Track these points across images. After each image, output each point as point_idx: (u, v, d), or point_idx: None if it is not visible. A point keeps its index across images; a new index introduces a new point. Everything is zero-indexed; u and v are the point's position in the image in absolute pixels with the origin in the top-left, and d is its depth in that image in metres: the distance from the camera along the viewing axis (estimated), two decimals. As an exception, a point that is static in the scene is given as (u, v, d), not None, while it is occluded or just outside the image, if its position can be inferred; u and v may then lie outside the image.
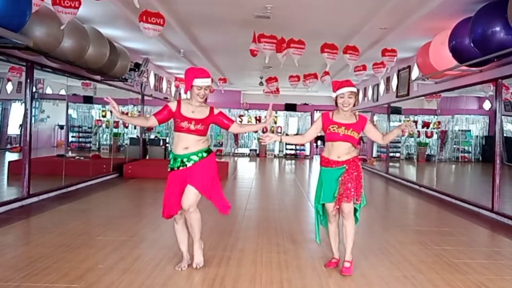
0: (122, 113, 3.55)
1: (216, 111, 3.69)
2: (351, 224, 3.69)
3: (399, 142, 12.36)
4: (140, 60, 10.26)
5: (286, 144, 19.15)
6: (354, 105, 3.72)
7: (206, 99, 3.70)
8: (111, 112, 3.72)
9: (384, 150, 12.77)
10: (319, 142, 20.82)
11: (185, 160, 3.54)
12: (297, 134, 19.35)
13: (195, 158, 3.55)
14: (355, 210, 3.74)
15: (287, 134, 19.15)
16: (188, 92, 3.65)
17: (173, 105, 3.61)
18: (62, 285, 3.23)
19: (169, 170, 3.62)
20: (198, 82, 3.53)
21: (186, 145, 3.54)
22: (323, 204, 3.75)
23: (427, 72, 7.68)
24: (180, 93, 15.41)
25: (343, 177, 3.61)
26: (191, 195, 3.52)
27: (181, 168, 3.55)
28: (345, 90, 3.64)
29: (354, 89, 3.69)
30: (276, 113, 19.09)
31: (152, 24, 6.15)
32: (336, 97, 3.70)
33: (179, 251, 3.75)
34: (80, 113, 11.42)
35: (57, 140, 10.48)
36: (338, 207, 3.64)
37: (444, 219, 6.41)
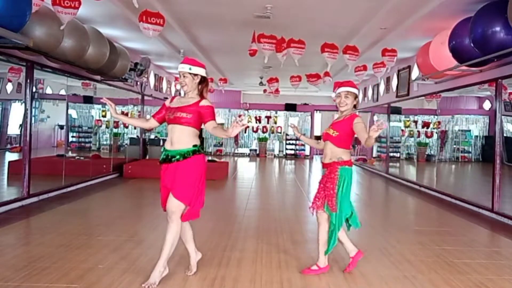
0: (122, 113, 3.43)
1: (203, 102, 3.35)
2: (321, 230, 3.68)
3: (399, 142, 12.36)
4: (139, 61, 10.25)
5: (286, 144, 19.18)
6: (355, 107, 3.68)
7: (204, 94, 3.42)
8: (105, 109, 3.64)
9: (384, 150, 12.76)
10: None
11: (170, 156, 3.31)
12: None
13: (177, 158, 3.28)
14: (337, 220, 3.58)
15: (287, 134, 19.16)
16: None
17: (167, 101, 3.52)
18: (62, 285, 3.23)
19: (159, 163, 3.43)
20: (178, 69, 3.41)
21: (170, 138, 3.33)
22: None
23: (427, 72, 7.68)
24: (180, 93, 15.42)
25: (323, 183, 3.64)
26: (172, 203, 3.27)
27: (166, 163, 3.33)
28: (341, 89, 3.65)
29: (351, 89, 3.62)
30: (276, 113, 19.15)
31: (152, 24, 6.14)
32: (335, 97, 3.73)
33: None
34: (80, 113, 11.41)
35: (57, 140, 10.47)
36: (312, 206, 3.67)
37: (444, 219, 6.41)
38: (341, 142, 3.57)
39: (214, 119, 3.36)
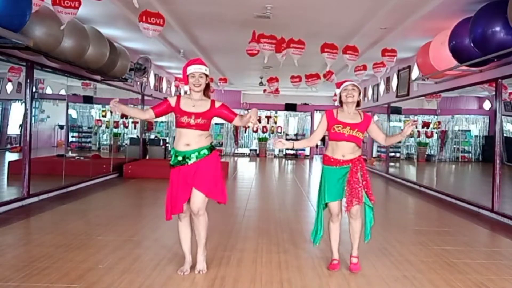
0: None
1: (217, 104, 3.54)
2: (359, 223, 3.71)
3: (399, 142, 12.35)
4: (140, 60, 10.25)
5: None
6: (358, 104, 3.70)
7: (208, 93, 3.59)
8: (111, 112, 3.70)
9: (384, 150, 12.76)
10: (319, 142, 20.81)
11: (186, 157, 3.43)
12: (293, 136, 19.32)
13: (196, 155, 3.42)
14: (368, 215, 3.72)
15: (287, 134, 19.14)
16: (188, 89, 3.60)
17: (172, 100, 3.52)
18: (62, 285, 3.23)
19: (170, 166, 3.53)
20: (190, 69, 3.46)
21: (187, 141, 3.42)
22: (326, 204, 3.73)
23: (427, 72, 7.68)
24: (180, 93, 15.41)
25: (348, 179, 3.59)
26: (198, 199, 3.45)
27: (182, 165, 3.44)
28: (347, 83, 3.70)
29: (356, 83, 3.73)
30: (276, 113, 19.15)
31: (152, 24, 6.15)
32: (341, 93, 3.70)
33: (179, 251, 3.74)
34: (80, 113, 11.42)
35: (57, 140, 10.47)
36: (348, 208, 3.60)
37: (444, 219, 6.41)
38: (360, 141, 3.72)
39: (236, 114, 3.60)
